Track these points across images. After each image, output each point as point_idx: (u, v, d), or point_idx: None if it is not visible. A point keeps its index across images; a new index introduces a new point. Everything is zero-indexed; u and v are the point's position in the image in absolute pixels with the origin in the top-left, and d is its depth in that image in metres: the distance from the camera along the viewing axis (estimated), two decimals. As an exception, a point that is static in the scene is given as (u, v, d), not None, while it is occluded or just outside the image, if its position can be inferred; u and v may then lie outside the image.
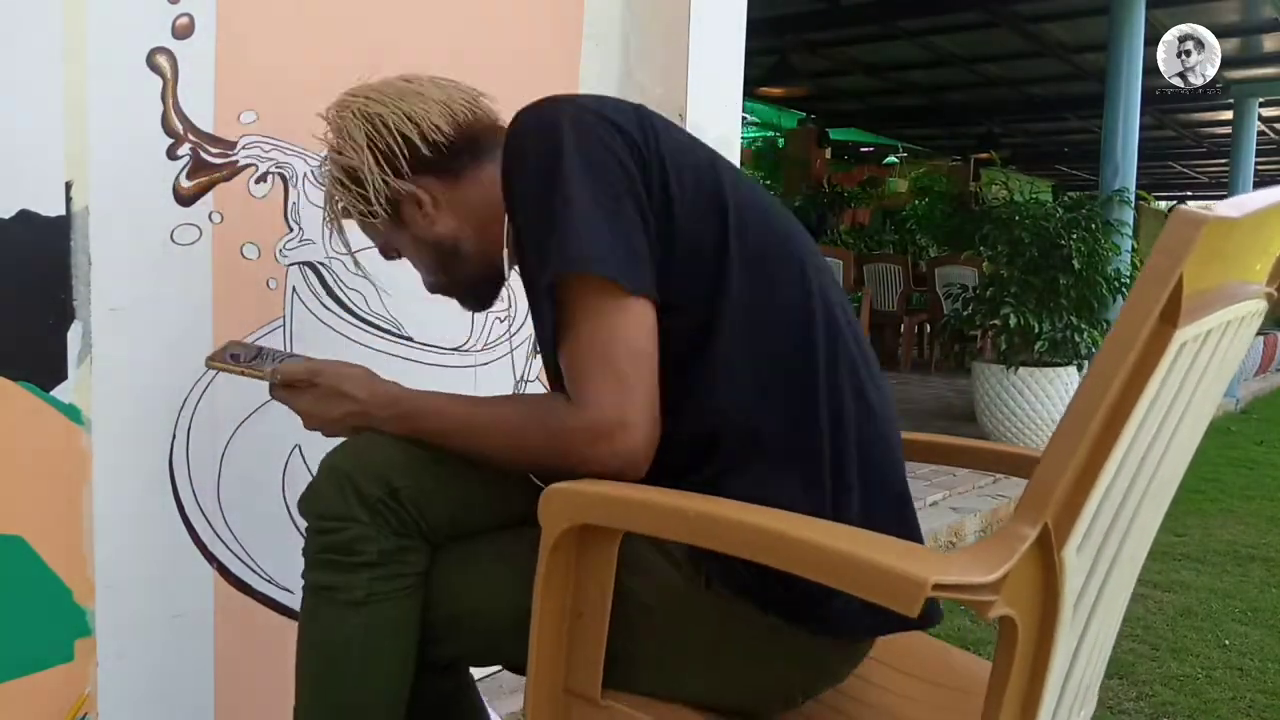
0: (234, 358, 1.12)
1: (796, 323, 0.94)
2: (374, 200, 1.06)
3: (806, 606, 0.89)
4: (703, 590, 0.92)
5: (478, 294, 1.17)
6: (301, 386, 1.06)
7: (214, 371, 1.38)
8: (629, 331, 0.87)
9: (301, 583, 1.04)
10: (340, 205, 1.12)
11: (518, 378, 1.72)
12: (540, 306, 0.93)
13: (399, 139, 1.05)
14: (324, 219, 1.14)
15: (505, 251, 1.06)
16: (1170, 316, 0.67)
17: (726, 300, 0.92)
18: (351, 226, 1.18)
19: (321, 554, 1.01)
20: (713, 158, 1.00)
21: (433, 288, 1.18)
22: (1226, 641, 2.64)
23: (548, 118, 0.94)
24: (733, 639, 0.92)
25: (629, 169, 0.91)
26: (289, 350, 1.31)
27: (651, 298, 0.89)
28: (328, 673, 1.02)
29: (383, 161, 1.05)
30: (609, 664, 0.91)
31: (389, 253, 1.18)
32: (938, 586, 0.62)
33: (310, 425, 1.07)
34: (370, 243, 1.55)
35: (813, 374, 0.92)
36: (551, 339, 0.92)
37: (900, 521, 0.97)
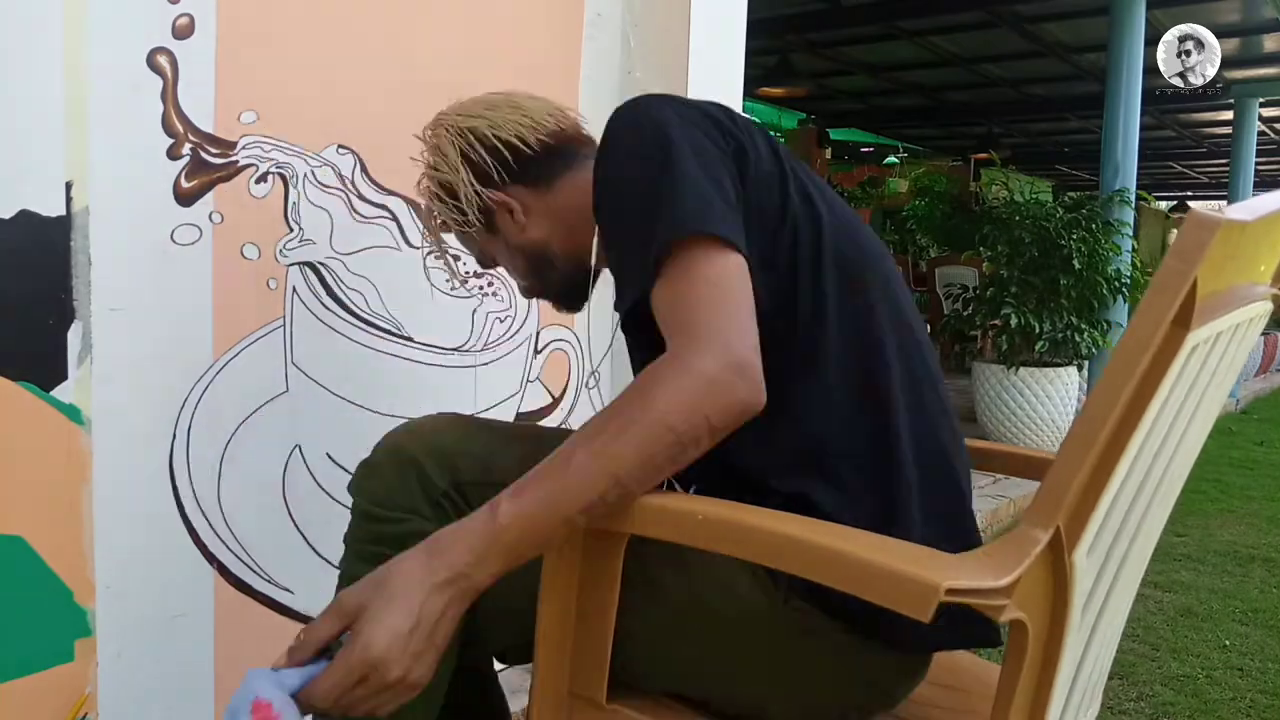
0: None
1: (880, 342, 0.92)
2: (468, 211, 1.10)
3: (875, 619, 0.86)
4: (779, 600, 0.88)
5: (569, 296, 1.18)
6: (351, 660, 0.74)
7: (214, 371, 1.38)
8: (739, 282, 0.82)
9: (338, 572, 1.02)
10: (439, 220, 1.15)
11: (524, 377, 1.73)
12: (641, 279, 0.84)
13: (490, 151, 1.08)
14: (422, 236, 1.17)
15: (595, 250, 1.07)
16: (1183, 319, 0.67)
17: (820, 317, 0.90)
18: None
19: (371, 545, 0.95)
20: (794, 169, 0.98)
21: (527, 292, 1.20)
22: (1227, 642, 2.64)
23: (646, 105, 0.93)
24: (797, 653, 0.90)
25: (728, 160, 0.90)
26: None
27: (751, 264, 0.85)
28: None
29: (476, 174, 1.09)
30: (659, 668, 0.90)
31: (486, 261, 1.21)
32: (950, 591, 0.61)
33: (400, 683, 0.74)
34: (369, 243, 1.54)
35: (889, 392, 0.90)
36: (658, 303, 0.83)
37: (960, 536, 0.95)
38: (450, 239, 1.21)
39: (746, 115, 1.01)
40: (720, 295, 0.80)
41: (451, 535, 0.76)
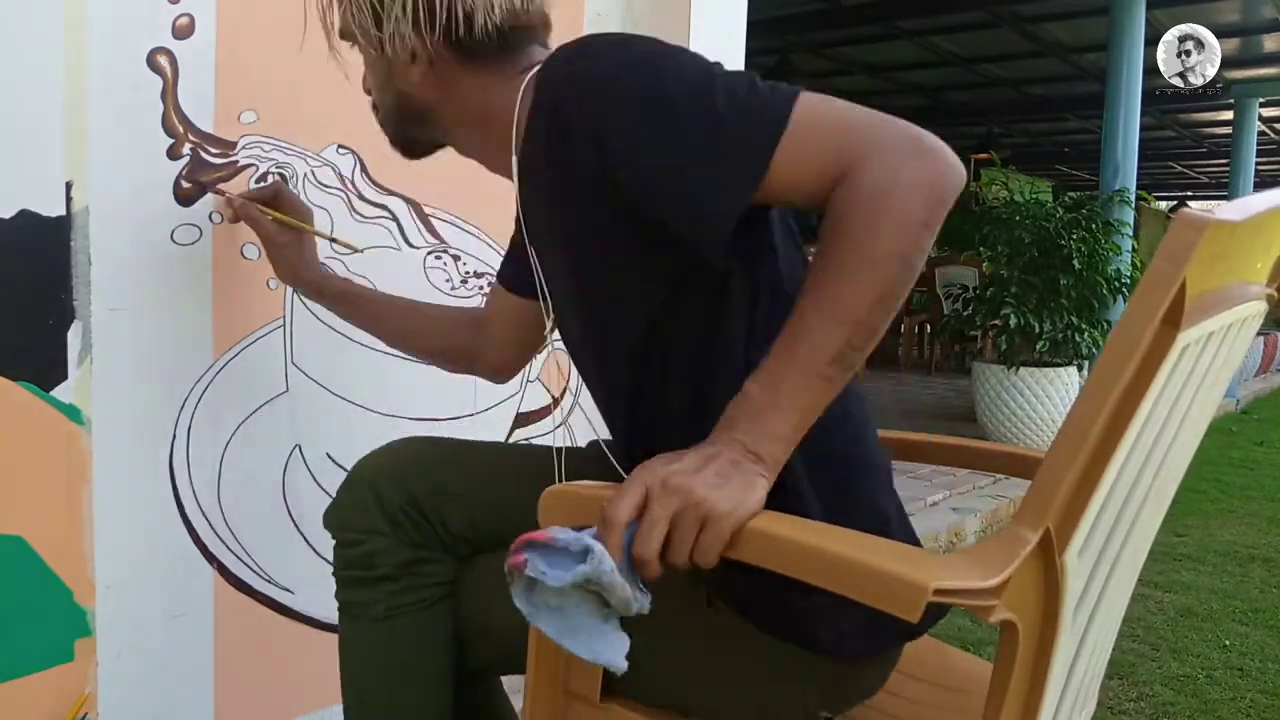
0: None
1: None
2: (377, 36, 0.97)
3: (798, 628, 0.87)
4: (704, 607, 0.90)
5: (413, 148, 1.10)
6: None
7: (214, 371, 1.38)
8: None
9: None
10: (341, 10, 1.02)
11: (524, 377, 1.72)
12: (749, 170, 0.77)
13: (443, 10, 0.95)
14: (318, 15, 1.04)
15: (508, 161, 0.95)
16: (1173, 319, 0.67)
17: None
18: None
19: (345, 570, 1.02)
20: None
21: (376, 110, 1.09)
22: (1226, 642, 2.64)
23: (611, 44, 0.83)
24: (736, 657, 0.90)
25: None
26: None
27: None
28: (363, 692, 1.02)
29: (414, 11, 0.95)
30: (636, 671, 0.88)
31: (345, 40, 1.06)
32: (939, 591, 0.61)
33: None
34: (369, 243, 1.54)
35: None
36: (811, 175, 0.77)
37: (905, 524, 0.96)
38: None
39: None
40: (865, 111, 0.75)
41: (715, 434, 0.73)
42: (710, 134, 0.76)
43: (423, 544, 1.00)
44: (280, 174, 1.43)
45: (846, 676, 0.93)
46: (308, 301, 1.48)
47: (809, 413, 0.73)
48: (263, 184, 1.36)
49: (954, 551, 0.70)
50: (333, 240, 1.44)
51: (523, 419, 1.82)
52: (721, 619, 0.90)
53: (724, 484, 0.70)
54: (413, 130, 1.06)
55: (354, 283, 1.38)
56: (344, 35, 1.04)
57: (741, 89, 0.78)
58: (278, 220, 1.29)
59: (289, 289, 1.45)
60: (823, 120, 0.77)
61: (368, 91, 1.08)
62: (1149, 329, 0.66)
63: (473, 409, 1.73)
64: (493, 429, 1.76)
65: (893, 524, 0.92)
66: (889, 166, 0.72)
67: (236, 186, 1.38)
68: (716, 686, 0.92)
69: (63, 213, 1.21)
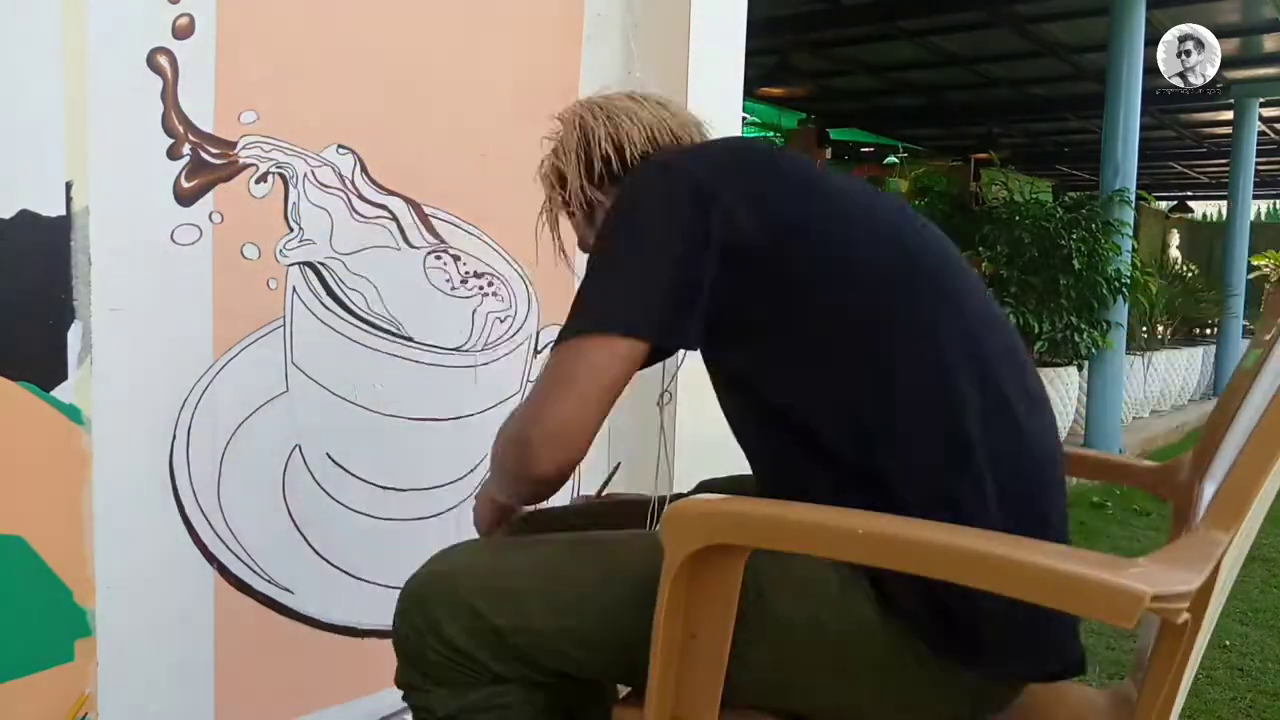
0: None
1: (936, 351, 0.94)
2: (572, 201, 1.15)
3: (960, 637, 0.87)
4: (875, 613, 0.89)
5: None
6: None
7: (214, 371, 1.38)
8: (602, 365, 0.91)
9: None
10: (548, 201, 1.21)
11: (524, 377, 1.73)
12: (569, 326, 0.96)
13: (601, 153, 1.13)
14: (540, 214, 1.22)
15: None
16: None
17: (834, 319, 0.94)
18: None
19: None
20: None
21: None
22: (1226, 641, 2.64)
23: (648, 172, 1.04)
24: (901, 667, 0.90)
25: (692, 226, 0.95)
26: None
27: (647, 339, 0.92)
28: None
29: (584, 170, 1.14)
30: (765, 688, 0.90)
31: (584, 246, 1.22)
32: (1156, 598, 0.60)
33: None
34: (369, 243, 1.55)
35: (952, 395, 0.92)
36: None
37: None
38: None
39: (766, 146, 1.06)
40: (574, 382, 0.90)
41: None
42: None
43: (471, 682, 0.98)
44: (280, 174, 1.43)
45: (986, 694, 0.93)
46: (308, 301, 1.48)
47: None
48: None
49: (1150, 554, 0.70)
50: None
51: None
52: (896, 629, 0.88)
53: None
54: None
55: None
56: (571, 223, 1.22)
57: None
58: None
59: (289, 288, 1.45)
60: (558, 365, 0.93)
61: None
62: None
63: (473, 409, 1.73)
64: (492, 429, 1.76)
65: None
66: (520, 438, 0.94)
67: (237, 186, 1.38)
68: (871, 700, 0.92)
69: (63, 213, 1.21)
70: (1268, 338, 1.01)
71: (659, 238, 0.95)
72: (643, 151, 1.13)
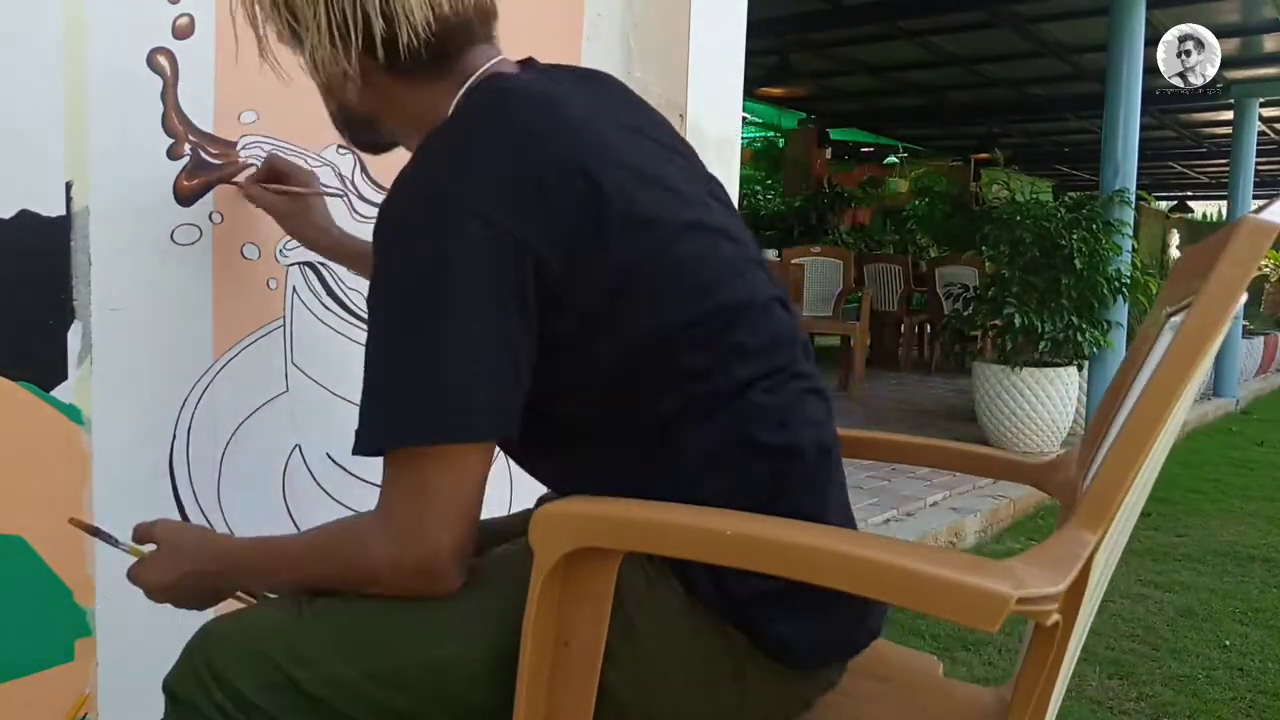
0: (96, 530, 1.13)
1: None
2: (310, 60, 0.94)
3: (773, 640, 0.86)
4: (692, 609, 0.86)
5: (366, 146, 1.11)
6: (145, 557, 1.02)
7: (212, 375, 1.38)
8: (453, 471, 0.81)
9: None
10: (266, 22, 0.97)
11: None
12: (370, 439, 0.83)
13: (358, 20, 0.90)
14: (241, 18, 0.98)
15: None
16: None
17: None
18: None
19: None
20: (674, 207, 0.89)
21: (332, 117, 1.07)
22: (1226, 642, 2.64)
23: (422, 206, 0.83)
24: (709, 665, 0.88)
25: (501, 272, 0.81)
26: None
27: (488, 439, 0.82)
28: None
29: (330, 33, 0.91)
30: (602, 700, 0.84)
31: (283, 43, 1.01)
32: (1022, 600, 0.60)
33: (156, 596, 1.01)
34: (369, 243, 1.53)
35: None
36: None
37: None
38: None
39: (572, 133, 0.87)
40: (429, 498, 0.80)
41: (217, 544, 0.99)
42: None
43: None
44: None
45: (807, 683, 0.93)
46: (308, 301, 1.48)
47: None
48: (256, 168, 1.36)
49: (1016, 556, 0.70)
50: (333, 193, 1.43)
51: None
52: (705, 619, 0.86)
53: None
54: (363, 134, 1.07)
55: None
56: (280, 38, 0.99)
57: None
58: (280, 191, 1.30)
59: (289, 288, 1.45)
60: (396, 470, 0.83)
61: (330, 114, 1.08)
62: (1218, 333, 0.66)
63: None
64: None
65: None
66: (370, 564, 0.84)
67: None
68: (692, 697, 0.89)
69: (63, 213, 1.21)
70: (1152, 329, 1.01)
71: (479, 289, 0.80)
72: (423, 27, 0.90)
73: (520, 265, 0.81)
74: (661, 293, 0.86)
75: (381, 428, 0.82)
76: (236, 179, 1.35)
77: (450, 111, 0.92)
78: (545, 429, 0.88)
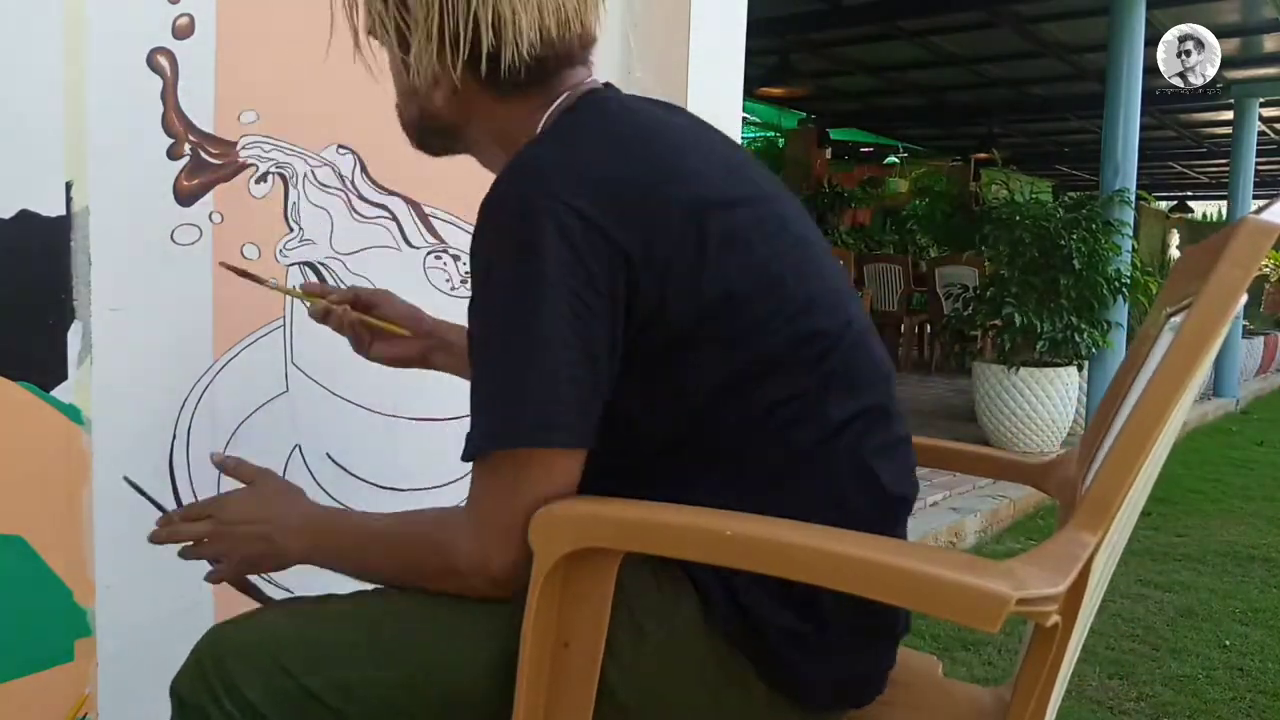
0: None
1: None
2: (403, 56, 0.93)
3: (777, 661, 0.86)
4: (708, 628, 0.85)
5: (433, 149, 1.06)
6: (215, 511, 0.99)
7: (214, 371, 1.38)
8: (549, 478, 0.81)
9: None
10: (372, 16, 0.95)
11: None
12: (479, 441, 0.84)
13: (468, 33, 0.89)
14: (345, 14, 0.98)
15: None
16: None
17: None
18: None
19: None
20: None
21: (399, 111, 1.04)
22: (1226, 642, 2.64)
23: (521, 209, 0.82)
24: (719, 691, 0.87)
25: (596, 278, 0.80)
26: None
27: (583, 447, 0.82)
28: None
29: (439, 40, 0.90)
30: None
31: (373, 36, 0.99)
32: (1022, 601, 0.60)
33: (221, 543, 0.98)
34: (369, 243, 1.53)
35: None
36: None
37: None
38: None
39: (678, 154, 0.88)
40: (518, 504, 0.80)
41: (276, 528, 0.95)
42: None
43: None
44: (280, 174, 1.42)
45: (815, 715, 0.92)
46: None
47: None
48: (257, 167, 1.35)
49: (1016, 556, 0.70)
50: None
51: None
52: (715, 639, 0.86)
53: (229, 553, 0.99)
54: (434, 140, 1.04)
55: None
56: (371, 33, 0.99)
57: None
58: (369, 323, 1.21)
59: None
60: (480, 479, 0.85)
61: (397, 108, 1.06)
62: (1218, 334, 0.66)
63: (473, 409, 1.72)
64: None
65: None
66: (450, 566, 0.84)
67: (237, 186, 1.38)
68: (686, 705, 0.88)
69: (63, 213, 1.21)
70: (1152, 330, 1.01)
71: (573, 303, 0.80)
72: (530, 45, 0.89)
73: (617, 272, 0.81)
74: (759, 315, 0.85)
75: (477, 433, 0.83)
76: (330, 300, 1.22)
77: (539, 129, 0.93)
78: (620, 444, 0.87)
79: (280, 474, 1.47)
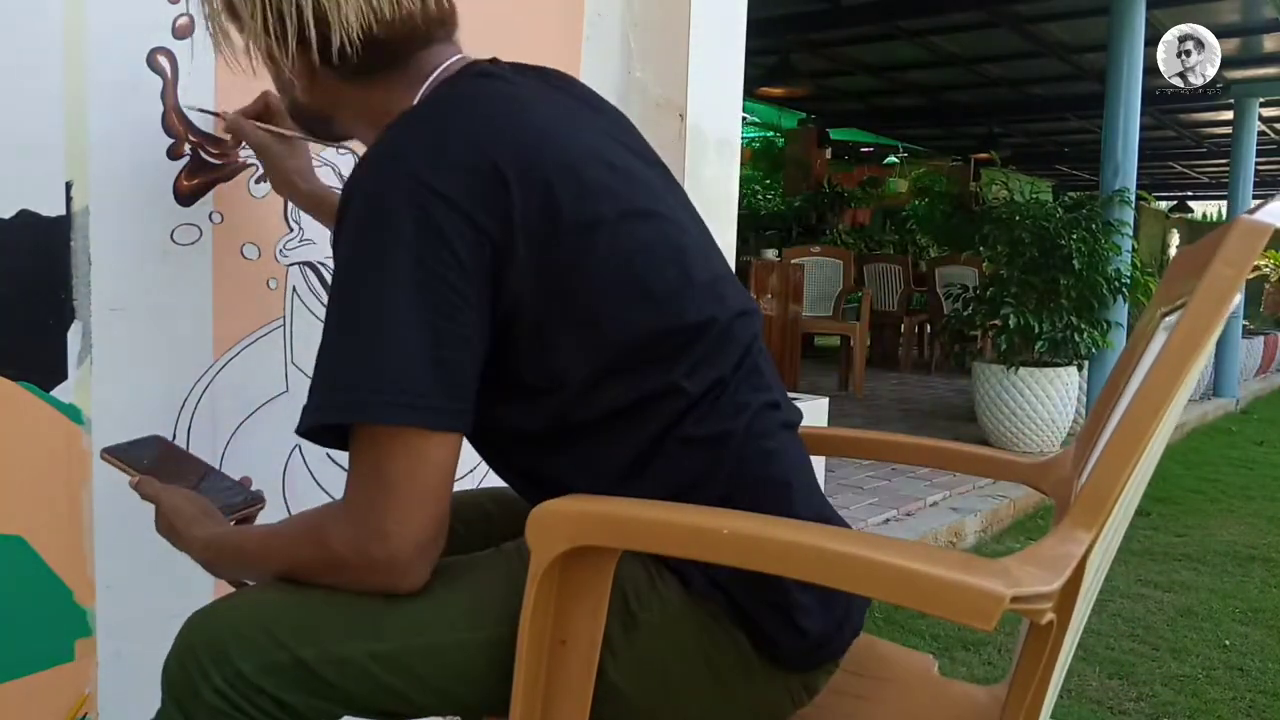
0: (129, 453, 1.10)
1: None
2: (246, 49, 0.94)
3: (770, 627, 0.87)
4: (693, 603, 0.87)
5: (320, 135, 1.08)
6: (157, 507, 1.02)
7: (214, 371, 1.38)
8: (414, 458, 0.80)
9: None
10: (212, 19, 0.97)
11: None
12: (318, 413, 0.84)
13: (294, 23, 0.89)
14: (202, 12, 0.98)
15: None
16: None
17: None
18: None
19: None
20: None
21: (288, 109, 1.07)
22: (1226, 641, 2.64)
23: (385, 185, 0.81)
24: (712, 660, 0.88)
25: (460, 259, 0.79)
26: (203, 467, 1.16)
27: (454, 430, 0.81)
28: None
29: (266, 33, 0.91)
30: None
31: (295, 106, 1.04)
32: (1016, 599, 0.60)
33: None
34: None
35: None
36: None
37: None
38: None
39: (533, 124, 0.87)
40: (384, 483, 0.79)
41: (201, 531, 0.97)
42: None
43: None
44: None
45: (802, 684, 0.93)
46: (308, 301, 1.48)
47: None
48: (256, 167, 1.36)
49: (1013, 554, 0.70)
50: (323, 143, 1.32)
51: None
52: (705, 616, 0.87)
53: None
54: (318, 127, 1.05)
55: None
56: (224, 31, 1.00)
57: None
58: (268, 130, 1.25)
59: (289, 288, 1.45)
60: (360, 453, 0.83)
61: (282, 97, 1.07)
62: (1212, 333, 0.67)
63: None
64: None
65: None
66: (335, 555, 0.83)
67: (237, 186, 1.38)
68: (690, 696, 0.90)
69: (63, 213, 1.21)
70: (1147, 328, 1.01)
71: (434, 282, 0.79)
72: (361, 33, 0.89)
73: (480, 254, 0.80)
74: (617, 301, 0.85)
75: (319, 406, 0.82)
76: (222, 114, 1.29)
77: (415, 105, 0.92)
78: (493, 430, 0.89)
79: (280, 474, 1.48)
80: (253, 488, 1.11)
